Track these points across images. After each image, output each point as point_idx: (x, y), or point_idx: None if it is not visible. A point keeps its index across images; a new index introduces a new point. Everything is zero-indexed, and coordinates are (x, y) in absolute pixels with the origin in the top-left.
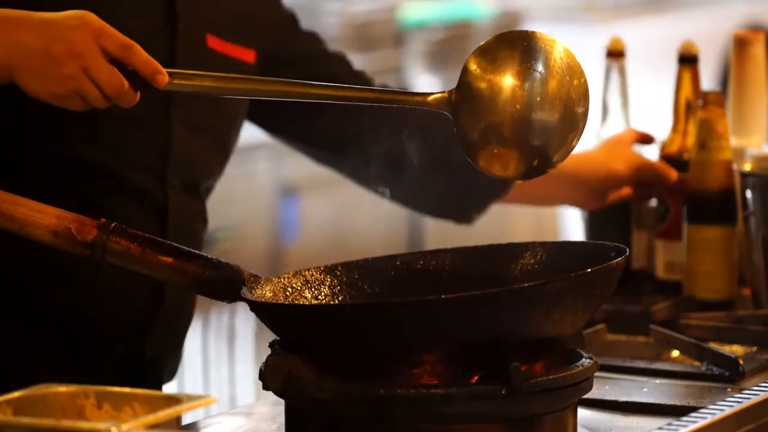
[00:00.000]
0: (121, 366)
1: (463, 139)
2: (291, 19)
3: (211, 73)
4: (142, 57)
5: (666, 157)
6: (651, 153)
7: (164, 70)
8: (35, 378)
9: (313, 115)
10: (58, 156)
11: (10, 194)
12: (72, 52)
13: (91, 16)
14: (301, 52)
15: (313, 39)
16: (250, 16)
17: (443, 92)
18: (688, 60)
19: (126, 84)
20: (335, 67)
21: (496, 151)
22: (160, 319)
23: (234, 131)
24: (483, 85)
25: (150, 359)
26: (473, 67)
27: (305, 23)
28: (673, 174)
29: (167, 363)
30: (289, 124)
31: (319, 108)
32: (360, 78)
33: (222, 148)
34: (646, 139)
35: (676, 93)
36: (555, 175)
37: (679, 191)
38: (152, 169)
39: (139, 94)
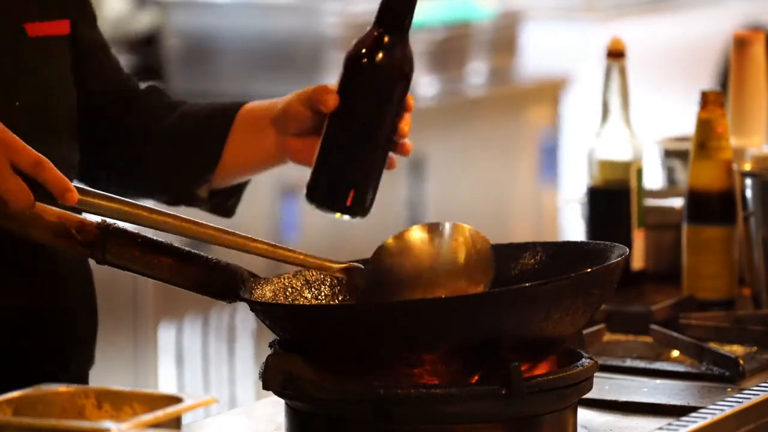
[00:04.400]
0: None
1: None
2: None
3: (120, 198)
4: (53, 174)
5: None
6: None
7: (74, 188)
8: None
9: None
10: None
11: None
12: None
13: (3, 132)
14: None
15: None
16: None
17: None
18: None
19: (32, 198)
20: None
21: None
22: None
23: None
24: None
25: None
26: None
27: (305, 23)
28: (330, 100)
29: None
30: None
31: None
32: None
33: (71, 132)
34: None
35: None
36: (254, 125)
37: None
38: None
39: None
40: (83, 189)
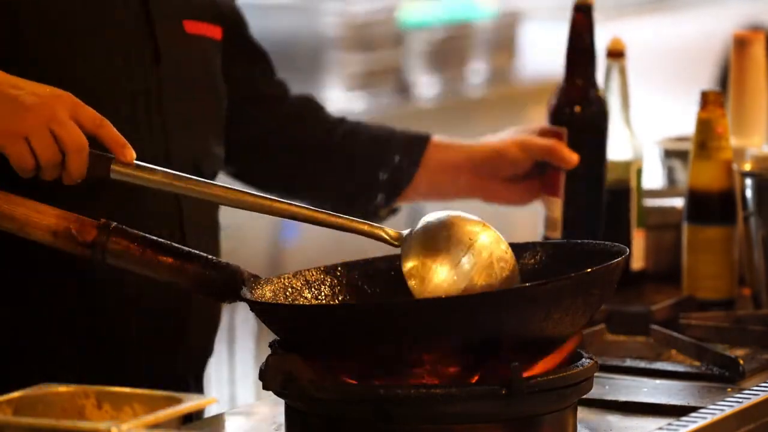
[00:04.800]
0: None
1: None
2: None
3: (164, 169)
4: (113, 132)
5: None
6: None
7: (130, 147)
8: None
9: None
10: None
11: (10, 194)
12: (44, 105)
13: (69, 95)
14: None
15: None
16: None
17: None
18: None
19: (86, 143)
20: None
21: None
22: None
23: (222, 115)
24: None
25: (179, 375)
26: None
27: (305, 23)
28: (573, 158)
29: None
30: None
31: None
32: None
33: (217, 133)
34: (554, 134)
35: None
36: (449, 165)
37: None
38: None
39: (84, 173)
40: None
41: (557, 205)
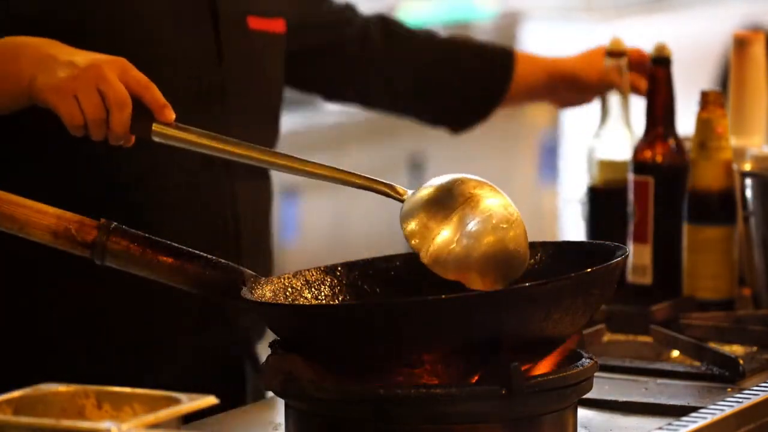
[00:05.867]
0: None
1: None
2: None
3: (201, 130)
4: (156, 94)
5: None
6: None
7: (171, 108)
8: None
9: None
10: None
11: (10, 195)
12: (94, 66)
13: (122, 59)
14: (329, 19)
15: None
16: None
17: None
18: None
19: (129, 103)
20: (365, 31)
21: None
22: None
23: (279, 105)
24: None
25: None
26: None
27: None
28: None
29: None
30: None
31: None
32: (396, 38)
33: (274, 124)
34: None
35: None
36: (529, 79)
37: (647, 194)
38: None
39: (132, 138)
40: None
41: (647, 251)
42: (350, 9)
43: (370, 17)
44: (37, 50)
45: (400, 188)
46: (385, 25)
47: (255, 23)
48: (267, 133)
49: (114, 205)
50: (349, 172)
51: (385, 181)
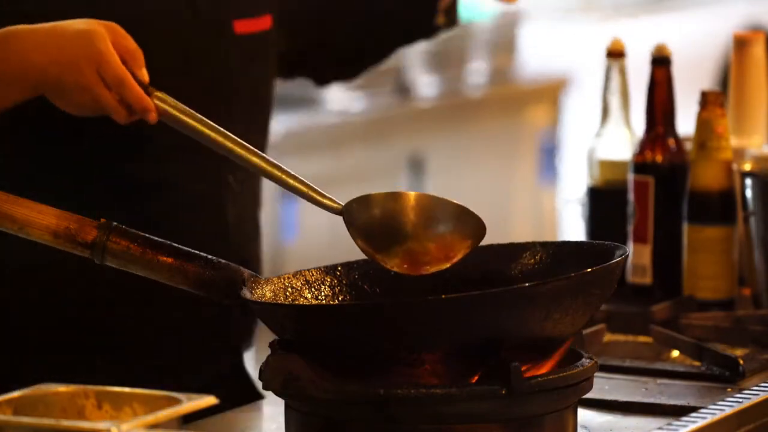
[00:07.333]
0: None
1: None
2: None
3: (198, 116)
4: (134, 93)
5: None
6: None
7: (154, 107)
8: None
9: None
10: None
11: (10, 195)
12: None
13: (100, 41)
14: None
15: None
16: None
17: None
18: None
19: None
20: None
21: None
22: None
23: (270, 108)
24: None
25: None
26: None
27: None
28: None
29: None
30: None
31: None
32: None
33: (265, 128)
34: None
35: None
36: None
37: (647, 194)
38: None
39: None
40: (164, 105)
41: (647, 251)
42: None
43: None
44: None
45: (333, 202)
46: None
47: (241, 27)
48: (258, 136)
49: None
50: (292, 175)
51: (320, 192)
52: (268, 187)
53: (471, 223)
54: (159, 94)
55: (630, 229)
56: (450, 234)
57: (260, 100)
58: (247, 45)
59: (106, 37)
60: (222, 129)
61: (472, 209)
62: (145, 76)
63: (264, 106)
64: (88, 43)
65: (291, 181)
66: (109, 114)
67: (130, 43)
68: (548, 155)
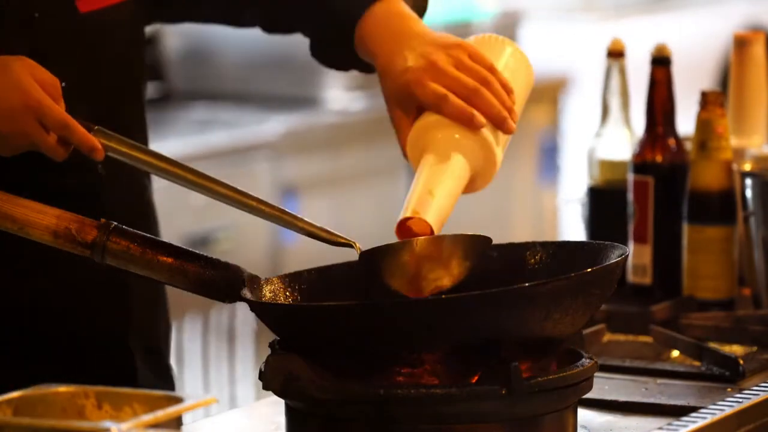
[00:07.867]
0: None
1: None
2: None
3: (144, 148)
4: (79, 135)
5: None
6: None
7: (100, 145)
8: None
9: None
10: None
11: (10, 195)
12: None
13: (33, 91)
14: None
15: None
16: None
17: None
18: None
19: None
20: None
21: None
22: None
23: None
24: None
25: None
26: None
27: None
28: None
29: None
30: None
31: None
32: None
33: (139, 98)
34: None
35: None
36: None
37: (647, 194)
38: None
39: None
40: (107, 141)
41: (647, 251)
42: None
43: None
44: None
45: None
46: None
47: (84, 5)
48: (132, 107)
49: None
50: (299, 218)
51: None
52: (267, 186)
53: (479, 244)
54: (97, 128)
55: (630, 229)
56: (466, 266)
57: (128, 70)
58: (94, 24)
59: (32, 80)
60: (172, 159)
61: (471, 208)
62: (63, 107)
63: (133, 76)
64: (22, 93)
65: (254, 203)
66: (46, 154)
67: (47, 75)
68: (548, 155)
